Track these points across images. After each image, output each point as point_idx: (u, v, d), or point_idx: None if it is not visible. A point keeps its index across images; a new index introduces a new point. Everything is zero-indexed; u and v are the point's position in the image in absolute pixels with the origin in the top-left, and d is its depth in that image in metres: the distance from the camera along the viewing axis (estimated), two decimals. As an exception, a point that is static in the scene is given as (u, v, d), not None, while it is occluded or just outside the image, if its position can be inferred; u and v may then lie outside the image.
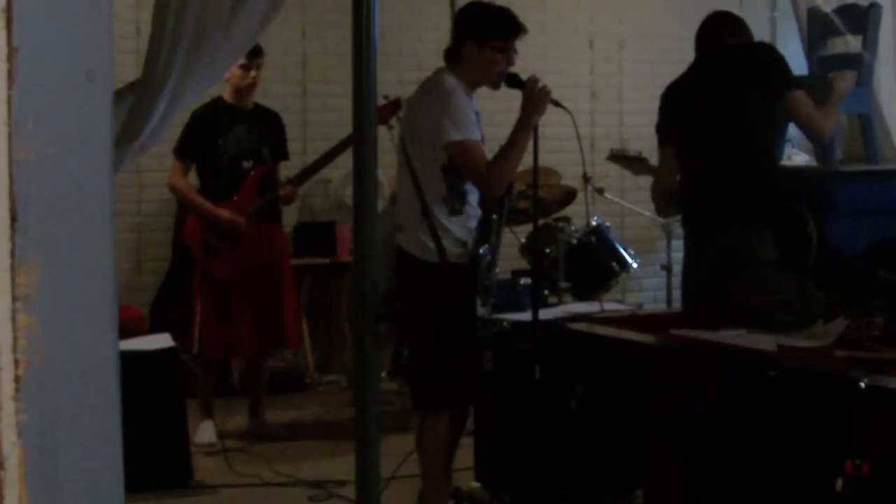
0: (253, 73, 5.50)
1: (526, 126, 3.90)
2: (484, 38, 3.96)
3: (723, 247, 4.08)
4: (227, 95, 5.54)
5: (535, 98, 3.89)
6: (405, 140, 4.01)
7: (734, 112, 4.11)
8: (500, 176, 3.92)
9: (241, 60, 5.34)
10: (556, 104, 3.95)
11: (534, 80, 3.92)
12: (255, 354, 5.65)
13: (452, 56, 4.04)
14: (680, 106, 4.33)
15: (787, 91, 4.07)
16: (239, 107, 5.54)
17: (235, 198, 5.47)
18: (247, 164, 5.52)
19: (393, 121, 5.22)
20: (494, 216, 4.01)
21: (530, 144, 3.88)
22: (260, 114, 5.64)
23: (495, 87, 4.07)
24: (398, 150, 4.08)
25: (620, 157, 5.92)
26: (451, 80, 3.96)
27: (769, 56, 4.24)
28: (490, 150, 4.06)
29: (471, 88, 4.02)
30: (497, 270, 4.13)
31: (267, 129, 5.62)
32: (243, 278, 5.48)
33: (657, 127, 4.45)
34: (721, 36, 4.29)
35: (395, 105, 5.25)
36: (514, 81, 3.99)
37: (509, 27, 4.01)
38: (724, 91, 4.16)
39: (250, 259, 5.50)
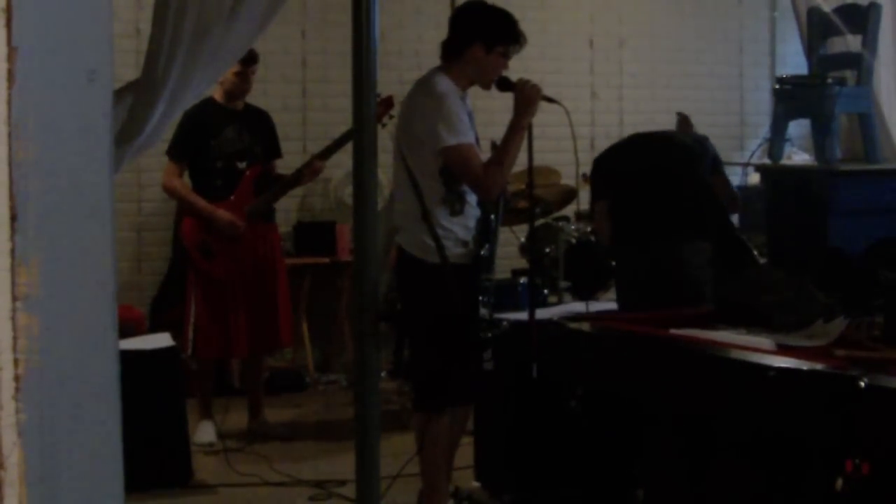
0: (248, 79, 5.50)
1: (519, 126, 3.91)
2: (494, 43, 3.97)
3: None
4: (218, 96, 5.51)
5: (527, 98, 3.90)
6: (401, 142, 4.01)
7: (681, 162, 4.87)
8: (495, 178, 3.91)
9: (236, 68, 5.32)
10: (549, 100, 3.96)
11: (523, 81, 3.94)
12: (250, 355, 5.65)
13: (451, 53, 4.04)
14: (624, 160, 4.98)
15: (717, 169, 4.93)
16: (229, 108, 5.52)
17: (232, 198, 5.47)
18: (241, 165, 5.51)
19: (386, 118, 5.22)
20: (493, 216, 4.01)
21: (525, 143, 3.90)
22: (250, 114, 5.62)
23: (487, 88, 4.09)
24: (394, 151, 4.08)
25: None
26: (444, 82, 3.96)
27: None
28: (488, 151, 4.07)
29: (464, 88, 4.02)
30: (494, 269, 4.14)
31: (258, 128, 5.61)
32: (239, 278, 5.47)
33: (592, 184, 5.09)
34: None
35: (386, 103, 5.24)
36: (505, 85, 4.01)
37: (517, 34, 4.04)
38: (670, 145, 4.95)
39: (247, 259, 5.50)
